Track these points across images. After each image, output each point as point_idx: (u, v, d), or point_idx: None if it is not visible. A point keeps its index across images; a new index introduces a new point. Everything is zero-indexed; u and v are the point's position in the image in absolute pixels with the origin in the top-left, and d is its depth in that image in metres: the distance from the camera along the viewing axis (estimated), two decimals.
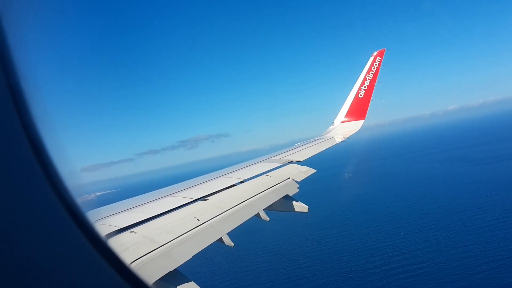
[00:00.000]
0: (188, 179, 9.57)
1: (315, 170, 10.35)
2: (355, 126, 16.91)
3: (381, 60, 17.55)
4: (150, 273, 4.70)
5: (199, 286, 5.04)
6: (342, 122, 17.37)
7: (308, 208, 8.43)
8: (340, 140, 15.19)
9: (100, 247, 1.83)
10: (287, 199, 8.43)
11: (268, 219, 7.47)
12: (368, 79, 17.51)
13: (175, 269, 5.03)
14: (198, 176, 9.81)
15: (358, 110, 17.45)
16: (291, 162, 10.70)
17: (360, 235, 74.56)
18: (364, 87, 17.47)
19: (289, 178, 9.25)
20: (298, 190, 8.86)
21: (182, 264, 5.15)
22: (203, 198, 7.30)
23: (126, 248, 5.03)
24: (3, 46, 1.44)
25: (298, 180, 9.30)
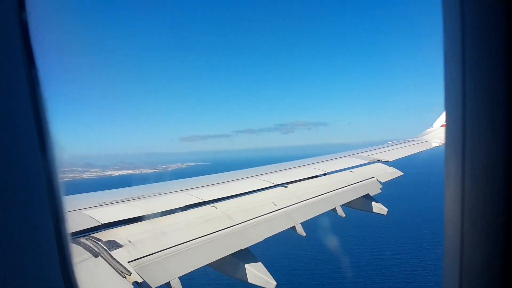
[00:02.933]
0: (276, 163, 9.88)
1: (402, 173, 10.07)
2: None
3: None
4: (223, 248, 5.09)
5: (265, 268, 5.33)
6: (442, 125, 16.52)
7: (387, 211, 8.33)
8: (437, 145, 14.49)
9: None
10: (367, 198, 8.38)
11: (344, 215, 7.53)
12: None
13: (247, 248, 5.38)
14: (285, 161, 10.07)
15: None
16: (379, 161, 10.52)
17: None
18: None
19: (373, 177, 9.14)
20: (380, 191, 8.75)
21: (254, 244, 5.49)
22: (283, 184, 7.54)
23: (206, 221, 5.47)
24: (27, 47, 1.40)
25: (382, 181, 9.15)
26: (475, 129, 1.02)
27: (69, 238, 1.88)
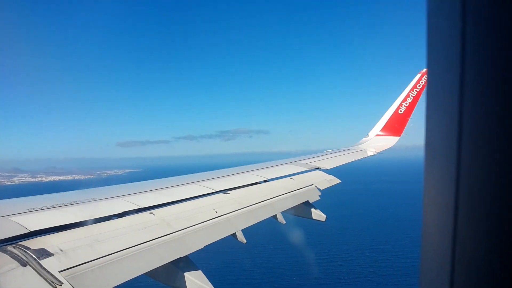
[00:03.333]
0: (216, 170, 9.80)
1: (340, 181, 10.35)
2: (390, 141, 16.77)
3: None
4: (161, 256, 4.92)
5: (205, 276, 5.23)
6: (377, 135, 17.25)
7: (326, 218, 8.49)
8: (372, 154, 15.10)
9: None
10: (307, 205, 8.51)
11: (284, 222, 7.59)
12: (412, 96, 17.31)
13: (186, 256, 5.25)
14: (226, 168, 10.01)
15: (395, 126, 17.30)
16: (318, 168, 10.75)
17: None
18: (406, 103, 17.30)
19: (312, 184, 9.31)
20: (319, 198, 8.92)
21: (194, 252, 5.37)
22: (224, 191, 7.47)
23: (144, 228, 5.28)
24: None
25: (321, 188, 9.35)
26: (476, 128, 0.97)
27: None
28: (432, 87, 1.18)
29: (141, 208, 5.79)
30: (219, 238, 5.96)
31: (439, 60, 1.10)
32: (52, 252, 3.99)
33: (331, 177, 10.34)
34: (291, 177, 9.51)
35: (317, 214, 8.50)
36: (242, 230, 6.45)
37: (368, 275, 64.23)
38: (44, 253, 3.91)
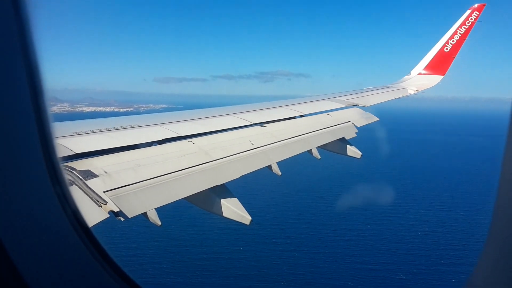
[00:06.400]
0: None
1: (378, 119, 10.18)
2: (432, 80, 16.12)
3: (478, 15, 16.14)
4: (200, 183, 5.07)
5: (241, 204, 5.37)
6: (419, 74, 16.59)
7: (361, 155, 8.45)
8: (413, 92, 14.62)
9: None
10: (343, 142, 8.47)
11: (319, 157, 7.60)
12: (459, 33, 16.30)
13: (223, 184, 5.38)
14: None
15: (439, 64, 16.53)
16: (356, 105, 10.56)
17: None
18: (453, 41, 16.36)
19: (349, 121, 9.20)
20: (355, 135, 8.84)
21: (230, 181, 5.49)
22: (261, 124, 7.49)
23: (183, 155, 5.40)
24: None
25: (358, 125, 9.25)
26: None
27: (59, 159, 1.90)
28: None
29: (180, 136, 5.90)
30: (255, 169, 6.06)
31: None
32: (96, 173, 4.16)
33: (369, 114, 10.17)
34: (328, 113, 9.40)
35: (353, 151, 8.47)
36: (278, 163, 6.52)
37: (445, 229, 62.94)
38: (89, 174, 4.08)
